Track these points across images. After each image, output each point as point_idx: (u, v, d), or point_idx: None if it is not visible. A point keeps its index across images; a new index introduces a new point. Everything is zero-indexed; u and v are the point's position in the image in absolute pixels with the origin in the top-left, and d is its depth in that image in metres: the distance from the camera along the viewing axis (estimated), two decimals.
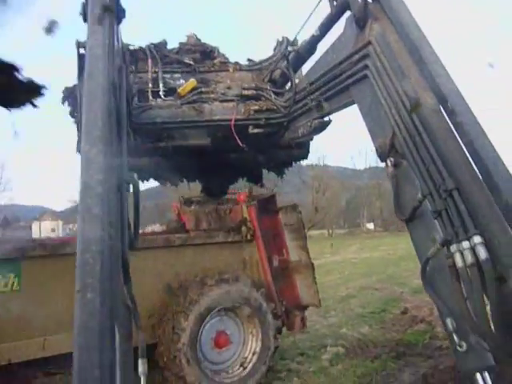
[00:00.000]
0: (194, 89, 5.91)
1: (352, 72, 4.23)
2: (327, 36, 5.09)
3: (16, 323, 4.82)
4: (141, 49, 6.09)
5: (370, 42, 3.94)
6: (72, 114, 5.86)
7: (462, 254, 2.80)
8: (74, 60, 5.29)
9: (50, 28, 3.57)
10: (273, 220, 6.92)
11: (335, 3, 4.56)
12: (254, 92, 6.12)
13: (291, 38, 6.06)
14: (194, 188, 8.43)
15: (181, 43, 6.48)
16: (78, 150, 5.45)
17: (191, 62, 6.23)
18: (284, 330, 6.81)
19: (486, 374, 2.87)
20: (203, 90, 5.99)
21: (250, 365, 6.08)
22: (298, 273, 6.86)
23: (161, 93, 5.80)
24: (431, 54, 3.49)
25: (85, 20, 3.45)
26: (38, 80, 3.44)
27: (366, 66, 3.98)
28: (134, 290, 5.47)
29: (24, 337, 4.85)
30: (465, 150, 3.10)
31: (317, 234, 53.10)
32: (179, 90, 5.84)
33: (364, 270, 18.99)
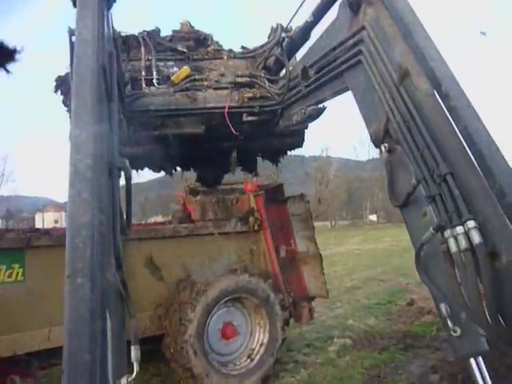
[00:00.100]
0: (187, 76, 5.87)
1: (346, 58, 4.20)
2: (321, 22, 5.03)
3: (20, 314, 4.75)
4: (134, 36, 6.03)
5: (363, 27, 3.91)
6: (65, 103, 5.77)
7: (455, 239, 2.78)
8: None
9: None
10: (280, 210, 6.82)
11: None
12: (248, 79, 6.08)
13: (285, 25, 5.95)
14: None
15: (174, 31, 6.43)
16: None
17: (185, 50, 6.20)
18: (290, 321, 6.73)
19: (480, 359, 2.89)
20: (197, 77, 5.95)
21: (258, 356, 6.02)
22: (305, 263, 6.78)
23: (154, 81, 5.76)
24: (425, 39, 3.44)
25: (74, 5, 3.37)
26: (9, 43, 3.33)
27: (360, 52, 3.94)
28: (141, 280, 5.49)
29: (29, 328, 4.78)
30: (459, 134, 3.08)
31: (320, 225, 52.85)
32: (173, 78, 5.80)
33: (368, 262, 18.95)
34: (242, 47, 6.66)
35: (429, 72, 3.29)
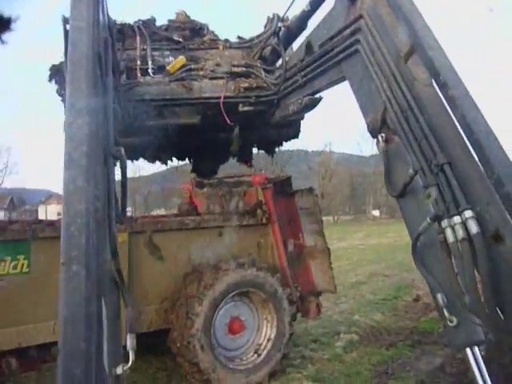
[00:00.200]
0: (183, 66, 5.82)
1: (343, 47, 4.16)
2: (318, 11, 4.98)
3: (25, 307, 4.69)
4: (129, 25, 5.96)
5: (361, 16, 3.87)
6: (59, 93, 5.69)
7: (453, 229, 2.78)
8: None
9: None
10: (288, 203, 6.72)
11: None
12: (244, 69, 6.03)
13: (282, 15, 5.90)
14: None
15: (170, 20, 6.38)
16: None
17: (180, 40, 6.14)
18: (296, 316, 6.65)
19: (476, 349, 2.90)
20: (192, 67, 5.89)
21: (265, 352, 5.95)
22: (313, 258, 6.68)
23: (149, 70, 5.72)
24: (423, 27, 3.37)
25: None
26: (4, 12, 3.25)
27: (358, 41, 3.91)
28: (147, 273, 5.41)
29: (33, 321, 4.71)
30: (457, 124, 3.05)
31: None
32: (168, 68, 5.75)
33: (372, 257, 18.89)
34: (238, 37, 6.61)
35: (427, 61, 3.26)
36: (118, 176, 3.25)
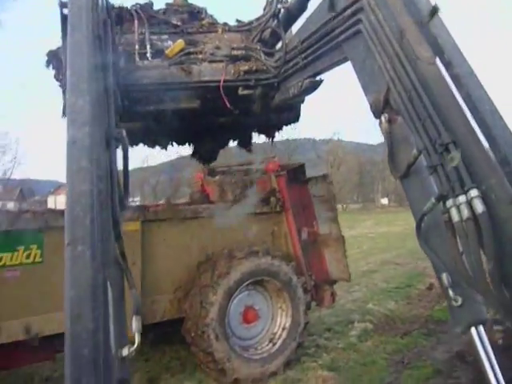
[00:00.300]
0: (181, 50, 5.68)
1: (345, 27, 4.04)
2: None
3: (39, 296, 4.65)
4: (127, 9, 5.83)
5: None
6: (57, 78, 5.60)
7: (458, 208, 2.73)
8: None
9: None
10: (302, 191, 6.62)
11: None
12: (244, 52, 5.89)
13: None
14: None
15: (168, 4, 6.23)
16: (65, 114, 5.29)
17: (179, 23, 6.00)
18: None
19: (481, 328, 2.87)
20: (191, 50, 5.77)
21: (280, 341, 5.91)
22: (327, 246, 6.59)
23: (148, 54, 5.58)
24: (427, 5, 3.28)
25: None
26: None
27: (360, 21, 3.78)
28: (160, 262, 5.35)
29: (47, 310, 4.66)
30: (462, 103, 3.00)
31: None
32: (167, 52, 5.62)
33: (383, 245, 18.82)
34: (237, 20, 6.47)
35: (431, 39, 3.18)
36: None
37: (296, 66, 5.19)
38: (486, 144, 2.87)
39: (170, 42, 5.75)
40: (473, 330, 2.84)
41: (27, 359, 5.11)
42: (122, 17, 5.73)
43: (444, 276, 2.91)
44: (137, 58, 5.53)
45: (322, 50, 4.57)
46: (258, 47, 5.95)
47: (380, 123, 3.46)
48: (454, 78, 3.03)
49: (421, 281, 10.97)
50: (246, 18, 6.46)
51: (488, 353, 2.80)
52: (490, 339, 2.86)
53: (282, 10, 5.58)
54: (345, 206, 62.20)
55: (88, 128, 2.40)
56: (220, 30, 6.13)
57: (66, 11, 4.76)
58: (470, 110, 2.93)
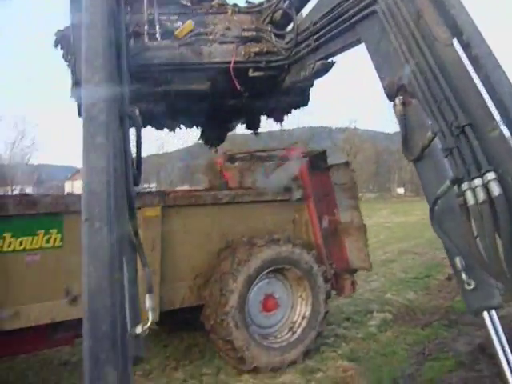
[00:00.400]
0: (191, 31, 5.60)
1: (359, 8, 3.99)
2: None
3: (58, 281, 4.61)
4: None
5: None
6: (65, 58, 5.53)
7: (473, 191, 2.73)
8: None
9: None
10: (323, 178, 6.49)
11: None
12: (254, 34, 5.82)
13: None
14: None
15: None
16: (73, 95, 5.29)
17: (188, 4, 5.88)
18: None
19: (494, 313, 2.90)
20: (201, 31, 5.70)
21: (299, 329, 5.85)
22: (347, 234, 6.47)
23: (157, 35, 5.49)
24: None
25: None
26: None
27: (375, 1, 3.73)
28: (180, 249, 5.29)
29: (66, 296, 4.62)
30: (478, 84, 2.97)
31: None
32: (176, 33, 5.53)
33: (400, 234, 18.66)
34: (247, 1, 6.36)
35: (449, 20, 3.14)
36: None
37: (307, 48, 5.13)
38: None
39: (179, 23, 5.66)
40: (485, 314, 2.87)
41: (46, 344, 5.10)
42: None
43: (457, 260, 2.93)
44: (146, 39, 5.46)
45: (334, 31, 4.53)
46: (269, 29, 5.87)
47: (394, 106, 3.44)
48: (473, 59, 2.99)
49: (440, 271, 10.82)
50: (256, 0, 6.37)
51: (500, 337, 2.84)
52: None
53: None
54: (361, 194, 61.84)
55: (103, 104, 2.38)
56: (230, 11, 6.03)
57: None
58: (488, 91, 2.89)
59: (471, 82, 2.98)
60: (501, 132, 2.81)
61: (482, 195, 2.66)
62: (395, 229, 21.14)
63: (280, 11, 5.75)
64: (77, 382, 5.37)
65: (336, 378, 5.39)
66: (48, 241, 4.56)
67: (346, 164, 6.60)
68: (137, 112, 2.86)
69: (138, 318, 2.39)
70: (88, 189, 2.20)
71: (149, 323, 2.34)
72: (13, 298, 4.42)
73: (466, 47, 3.03)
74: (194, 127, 7.39)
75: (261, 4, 6.18)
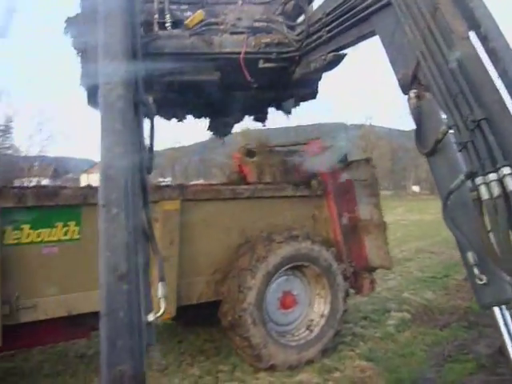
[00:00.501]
0: (201, 21, 5.55)
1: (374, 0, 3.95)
2: None
3: (75, 274, 4.57)
4: None
5: None
6: (75, 45, 5.46)
7: (487, 186, 2.71)
8: None
9: None
10: (343, 174, 6.38)
11: None
12: (265, 24, 5.76)
13: None
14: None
15: None
16: (82, 83, 5.27)
17: None
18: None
19: (504, 308, 3.08)
20: (212, 21, 5.65)
21: (317, 328, 5.77)
22: (367, 232, 6.35)
23: (167, 24, 5.45)
24: None
25: None
26: None
27: None
28: (198, 243, 5.22)
29: (83, 288, 4.57)
30: (495, 78, 2.95)
31: None
32: (186, 22, 5.48)
33: (417, 233, 18.49)
34: None
35: (467, 12, 3.11)
36: None
37: (319, 40, 5.08)
38: None
39: (189, 13, 5.63)
40: (496, 309, 3.06)
41: (63, 336, 5.10)
42: None
43: (469, 254, 2.90)
44: (156, 28, 5.42)
45: (348, 22, 4.48)
46: (280, 20, 5.80)
47: (408, 99, 3.41)
48: (490, 52, 2.98)
49: (458, 271, 10.63)
50: None
51: (510, 331, 3.02)
52: None
53: None
54: None
55: (121, 89, 2.39)
56: (240, 2, 5.96)
57: None
58: (505, 85, 2.89)
59: (488, 76, 2.95)
60: None
61: (496, 190, 2.65)
62: (411, 227, 20.95)
63: (291, 2, 5.72)
64: (93, 374, 5.36)
65: (354, 378, 5.32)
66: (66, 233, 4.53)
67: (367, 160, 6.47)
68: (150, 100, 2.85)
69: (149, 305, 2.39)
70: (105, 175, 2.23)
71: (161, 311, 2.35)
72: (30, 291, 4.40)
73: (483, 40, 3.02)
74: (202, 118, 7.34)
75: None
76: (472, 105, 2.85)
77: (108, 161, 2.27)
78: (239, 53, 5.50)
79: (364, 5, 4.08)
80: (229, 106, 6.61)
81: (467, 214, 2.94)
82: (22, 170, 34.81)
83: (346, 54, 5.06)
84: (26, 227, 4.36)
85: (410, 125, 3.44)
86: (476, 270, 2.86)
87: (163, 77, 5.42)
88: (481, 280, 2.85)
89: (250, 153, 7.23)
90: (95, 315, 4.64)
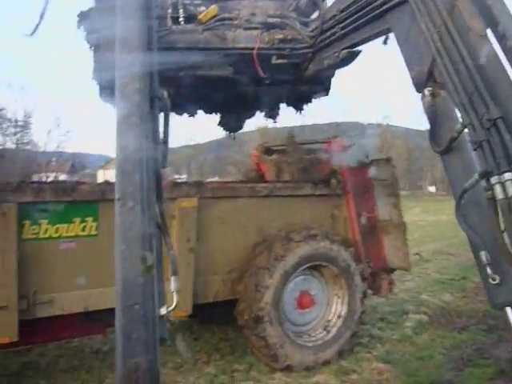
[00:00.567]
0: (215, 16, 5.52)
1: None
2: None
3: (92, 270, 4.57)
4: None
5: None
6: (88, 39, 5.44)
7: (503, 185, 2.70)
8: None
9: None
10: (363, 173, 6.29)
11: None
12: (279, 20, 5.72)
13: None
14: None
15: None
16: (94, 77, 5.26)
17: None
18: None
19: None
20: (226, 16, 5.62)
21: (334, 329, 5.71)
22: (386, 233, 6.26)
23: (181, 19, 5.40)
24: None
25: None
26: None
27: None
28: (214, 241, 5.18)
29: (99, 285, 4.57)
30: None
31: None
32: (200, 17, 5.45)
33: (434, 234, 18.28)
34: None
35: (485, 10, 3.10)
36: None
37: (333, 37, 5.05)
38: None
39: (203, 8, 5.59)
40: (508, 309, 2.86)
41: (79, 332, 5.12)
42: None
43: (482, 254, 2.88)
44: (169, 22, 5.38)
45: (362, 19, 4.46)
46: (294, 16, 5.76)
47: (422, 97, 3.41)
48: (508, 50, 2.97)
49: (476, 274, 10.22)
50: None
51: None
52: None
53: None
54: None
55: (138, 84, 2.40)
56: None
57: None
58: None
59: (505, 74, 2.94)
60: None
61: (511, 189, 2.64)
62: (428, 227, 20.73)
63: None
64: (108, 370, 5.35)
65: (371, 380, 5.26)
66: (84, 229, 4.53)
67: (388, 160, 6.38)
68: (165, 94, 2.85)
69: (162, 299, 2.40)
70: (121, 168, 2.26)
71: (173, 305, 2.36)
72: (46, 286, 4.41)
73: (501, 38, 3.00)
74: (213, 113, 7.30)
75: None
76: (488, 103, 2.83)
77: (124, 154, 2.28)
78: (252, 48, 5.47)
79: (379, 2, 4.06)
80: (240, 102, 6.60)
81: (481, 213, 2.95)
82: (40, 166, 35.03)
83: (360, 51, 5.04)
84: (44, 222, 4.37)
85: (427, 124, 3.43)
86: (489, 270, 2.85)
87: (176, 71, 5.40)
88: (494, 280, 2.83)
89: (268, 151, 7.17)
90: (111, 312, 4.65)
